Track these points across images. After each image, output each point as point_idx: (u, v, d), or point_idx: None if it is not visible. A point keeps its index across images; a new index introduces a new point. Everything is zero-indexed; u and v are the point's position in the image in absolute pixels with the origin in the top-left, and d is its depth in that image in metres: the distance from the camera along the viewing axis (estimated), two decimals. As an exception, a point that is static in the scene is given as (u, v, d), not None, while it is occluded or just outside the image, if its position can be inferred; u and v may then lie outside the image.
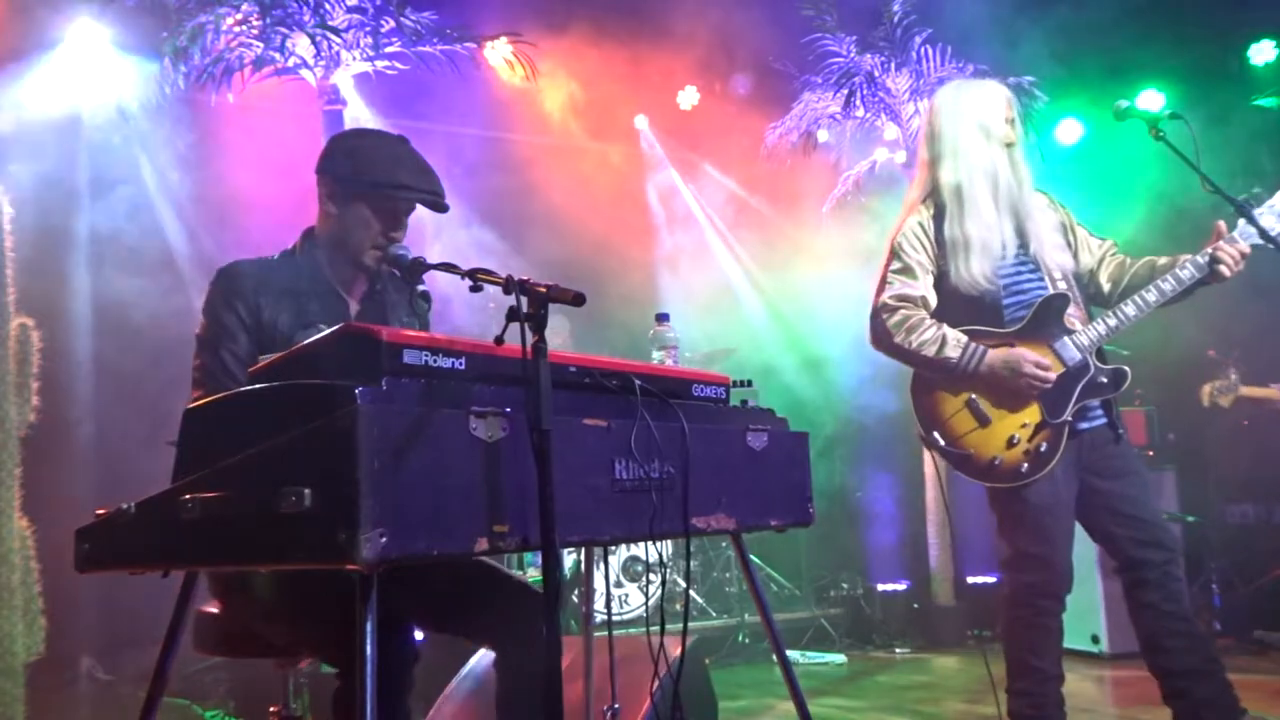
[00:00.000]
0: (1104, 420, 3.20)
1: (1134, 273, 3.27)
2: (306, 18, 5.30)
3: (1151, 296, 3.15)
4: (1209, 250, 3.14)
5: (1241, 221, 3.15)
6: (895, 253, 3.27)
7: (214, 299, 2.40)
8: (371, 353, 1.70)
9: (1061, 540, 3.12)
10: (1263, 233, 3.13)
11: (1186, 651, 3.07)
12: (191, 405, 1.88)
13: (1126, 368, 3.19)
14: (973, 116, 3.26)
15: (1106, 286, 3.32)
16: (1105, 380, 3.16)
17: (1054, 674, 3.13)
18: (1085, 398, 3.15)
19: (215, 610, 2.39)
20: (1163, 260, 3.23)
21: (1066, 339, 3.15)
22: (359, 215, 2.45)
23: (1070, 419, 3.12)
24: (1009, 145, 3.27)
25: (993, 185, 3.21)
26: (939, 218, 3.26)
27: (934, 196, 3.30)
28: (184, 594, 2.04)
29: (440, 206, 2.49)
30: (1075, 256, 3.34)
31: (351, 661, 1.63)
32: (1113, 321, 3.15)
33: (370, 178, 2.43)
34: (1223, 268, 3.11)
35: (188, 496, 1.69)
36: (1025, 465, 3.10)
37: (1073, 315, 3.20)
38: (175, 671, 2.06)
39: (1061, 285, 3.22)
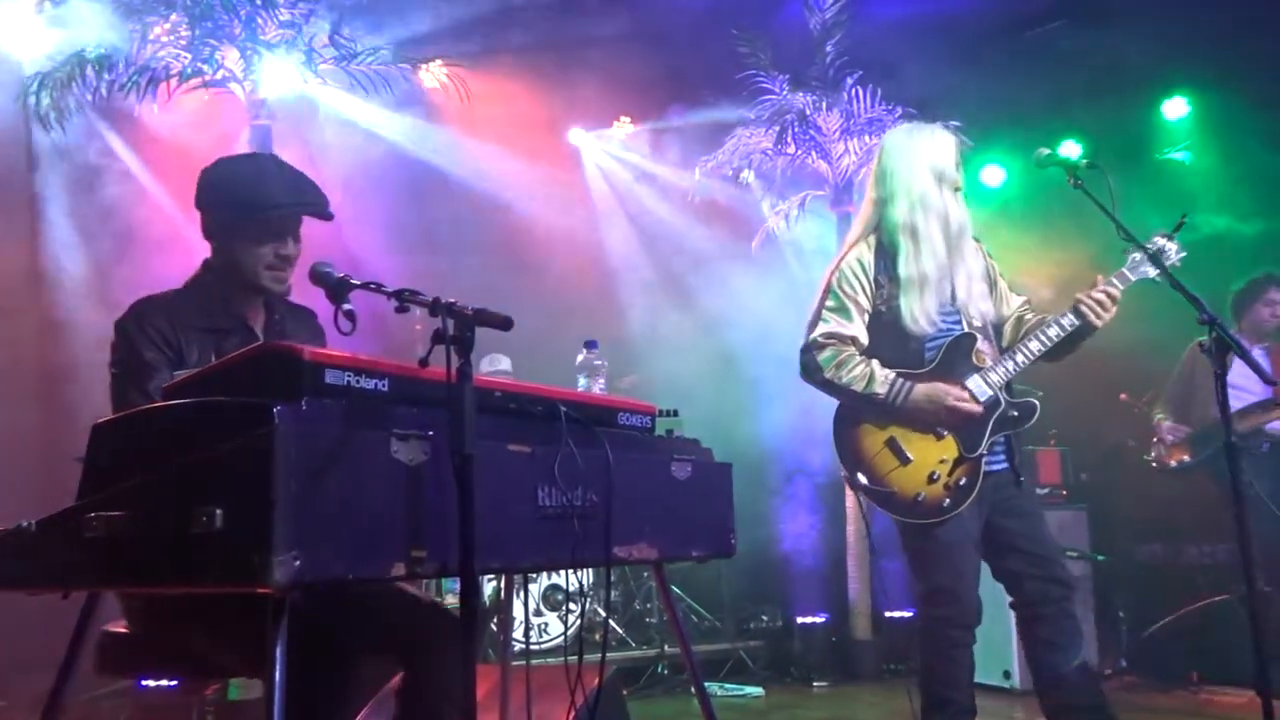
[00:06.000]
0: (1006, 465, 3.29)
1: (1028, 329, 3.34)
2: (237, 30, 5.23)
3: (1034, 345, 3.23)
4: (1076, 302, 3.21)
5: (1132, 259, 3.21)
6: (831, 289, 3.30)
7: (131, 334, 2.34)
8: (292, 372, 1.67)
9: (970, 575, 3.20)
10: (1167, 276, 3.10)
11: (1079, 688, 3.17)
12: (101, 421, 1.82)
13: (1035, 401, 3.28)
14: (926, 159, 3.30)
15: (1007, 342, 3.40)
16: (1016, 413, 3.25)
17: (968, 706, 3.20)
18: (998, 431, 3.23)
19: (124, 630, 2.31)
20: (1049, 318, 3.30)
21: (977, 376, 3.22)
22: (243, 243, 2.43)
23: (985, 453, 3.20)
24: (957, 190, 3.32)
25: (944, 226, 3.26)
26: (881, 255, 3.29)
27: (879, 234, 3.33)
28: (85, 615, 1.97)
29: (324, 215, 2.47)
30: (995, 306, 3.41)
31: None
32: (1019, 358, 3.24)
33: (242, 202, 2.40)
34: (1090, 316, 3.18)
35: (93, 515, 1.64)
36: (947, 500, 3.16)
37: (984, 352, 3.27)
38: (72, 698, 1.99)
39: (978, 328, 3.29)
